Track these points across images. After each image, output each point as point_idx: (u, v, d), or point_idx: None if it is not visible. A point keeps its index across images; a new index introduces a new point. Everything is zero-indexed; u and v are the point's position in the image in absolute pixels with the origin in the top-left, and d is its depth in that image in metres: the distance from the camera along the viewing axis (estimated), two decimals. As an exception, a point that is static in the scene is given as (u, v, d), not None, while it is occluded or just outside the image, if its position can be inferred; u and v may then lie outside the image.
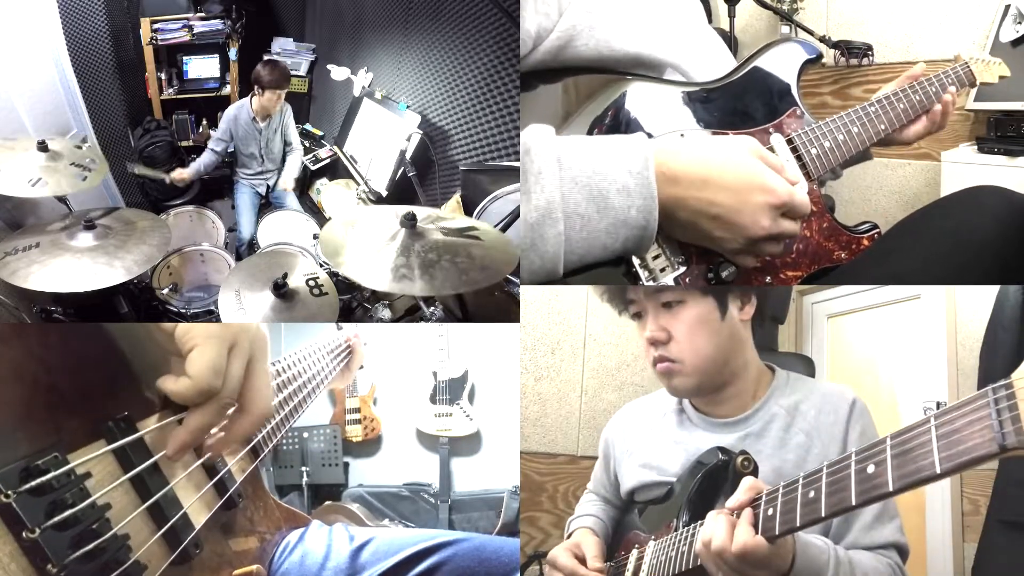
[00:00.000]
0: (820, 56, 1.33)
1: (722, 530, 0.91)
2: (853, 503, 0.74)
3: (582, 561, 1.30)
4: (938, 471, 0.64)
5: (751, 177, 1.00)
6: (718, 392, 1.29)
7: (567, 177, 0.94)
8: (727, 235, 1.01)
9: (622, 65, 1.22)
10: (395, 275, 1.73)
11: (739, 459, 1.12)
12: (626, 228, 0.95)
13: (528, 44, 1.15)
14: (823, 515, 0.78)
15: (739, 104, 1.24)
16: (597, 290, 1.26)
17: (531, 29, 1.14)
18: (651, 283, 1.11)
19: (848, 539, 1.15)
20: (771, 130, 1.24)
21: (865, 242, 1.27)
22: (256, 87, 3.38)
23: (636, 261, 1.08)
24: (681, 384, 1.25)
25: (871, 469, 0.72)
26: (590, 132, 1.18)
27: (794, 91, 1.28)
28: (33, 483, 0.58)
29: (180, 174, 3.51)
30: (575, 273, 1.00)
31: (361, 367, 1.81)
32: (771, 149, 1.21)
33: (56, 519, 0.59)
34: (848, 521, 1.16)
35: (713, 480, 1.16)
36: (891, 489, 0.69)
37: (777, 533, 0.87)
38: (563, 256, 0.94)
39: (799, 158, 1.23)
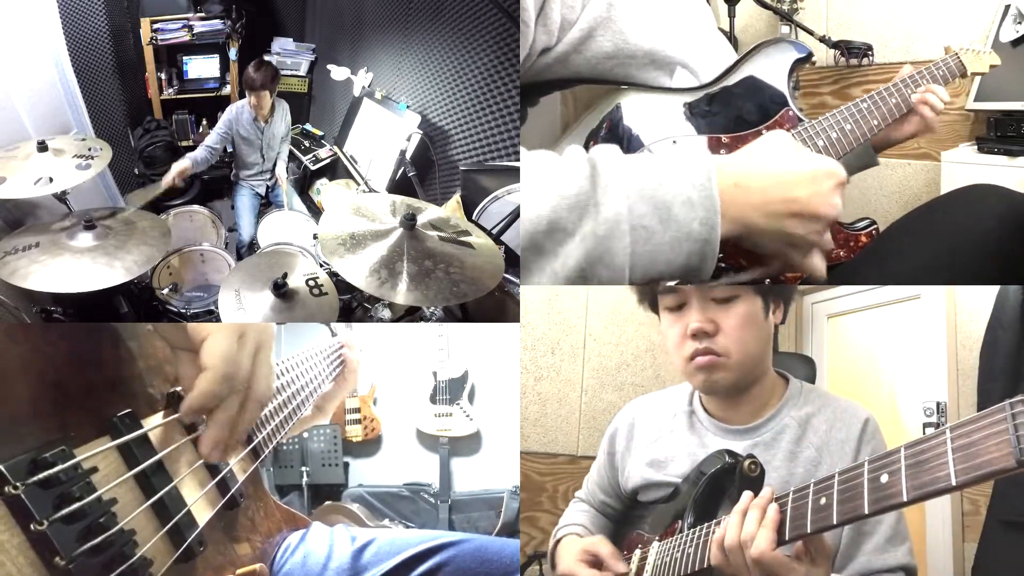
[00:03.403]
0: (810, 55, 1.32)
1: (764, 538, 0.89)
2: (866, 511, 0.73)
3: (598, 565, 1.28)
4: (954, 483, 0.64)
5: (814, 164, 0.99)
6: (739, 395, 1.28)
7: (633, 190, 0.91)
8: (805, 230, 0.97)
9: (635, 61, 1.23)
10: (384, 280, 1.73)
11: (746, 463, 1.11)
12: (689, 241, 0.92)
13: (555, 36, 1.16)
14: (835, 522, 0.77)
15: (732, 109, 1.24)
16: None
17: (556, 19, 1.15)
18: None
19: (859, 561, 1.14)
20: (764, 131, 1.23)
21: (863, 239, 1.27)
22: (246, 90, 3.38)
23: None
24: (722, 379, 1.23)
25: (884, 479, 0.72)
26: (586, 145, 1.18)
27: (786, 93, 1.27)
28: (41, 475, 0.58)
29: (181, 168, 3.26)
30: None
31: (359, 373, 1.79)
32: None
33: (64, 512, 0.59)
34: (858, 543, 1.15)
35: (719, 483, 1.16)
36: (905, 499, 0.69)
37: (787, 538, 0.86)
38: (628, 270, 0.91)
39: None
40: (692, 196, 0.92)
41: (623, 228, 0.90)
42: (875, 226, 1.29)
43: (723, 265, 1.11)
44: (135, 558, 0.65)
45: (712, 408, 1.34)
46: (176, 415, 0.78)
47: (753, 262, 1.09)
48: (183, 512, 0.75)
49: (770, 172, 0.98)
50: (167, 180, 3.24)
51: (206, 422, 0.77)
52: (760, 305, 1.23)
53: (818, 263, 1.02)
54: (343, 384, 1.61)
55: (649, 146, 1.19)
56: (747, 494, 0.93)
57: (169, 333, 0.79)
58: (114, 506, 0.65)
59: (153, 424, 0.76)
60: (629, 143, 1.19)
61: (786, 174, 0.98)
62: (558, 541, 1.43)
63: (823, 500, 0.80)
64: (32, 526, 0.57)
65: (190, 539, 0.75)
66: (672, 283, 1.19)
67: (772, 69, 1.28)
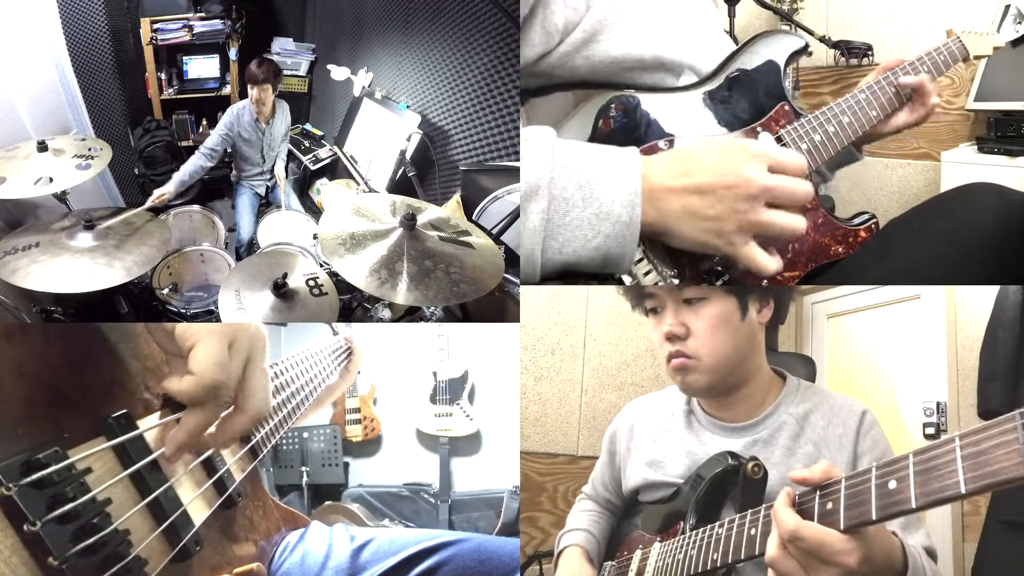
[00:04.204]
0: (806, 46, 1.29)
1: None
2: (873, 517, 0.73)
3: None
4: (963, 491, 0.64)
5: (725, 142, 1.01)
6: (729, 395, 1.28)
7: (559, 161, 0.96)
8: (721, 208, 0.97)
9: (643, 65, 1.23)
10: (384, 280, 1.73)
11: (749, 465, 1.11)
12: (608, 222, 0.96)
13: (555, 38, 1.16)
14: (841, 528, 0.77)
15: (728, 104, 1.23)
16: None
17: (559, 23, 1.15)
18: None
19: None
20: (759, 128, 1.22)
21: (863, 234, 1.25)
22: (249, 84, 3.38)
23: (627, 279, 1.06)
24: (694, 381, 1.24)
25: (892, 485, 0.71)
26: (596, 121, 1.18)
27: (782, 86, 1.26)
28: (34, 476, 0.58)
29: (160, 194, 2.99)
30: (560, 277, 1.00)
31: (359, 372, 1.80)
32: None
33: (57, 512, 0.59)
34: None
35: (722, 485, 1.16)
36: (914, 506, 0.69)
37: None
38: (543, 239, 0.95)
39: None
40: (615, 178, 0.96)
41: (542, 193, 0.95)
42: (874, 220, 1.26)
43: (719, 268, 1.11)
44: (129, 558, 0.65)
45: (709, 407, 1.34)
46: (171, 416, 0.77)
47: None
48: (179, 512, 0.75)
49: (676, 155, 1.03)
50: (150, 202, 2.90)
51: (178, 423, 0.75)
52: (734, 306, 1.22)
53: (755, 255, 0.99)
54: (343, 379, 1.62)
55: (670, 137, 1.18)
56: (787, 490, 0.89)
57: (159, 337, 0.78)
58: (108, 506, 0.65)
59: (149, 425, 0.75)
60: (648, 128, 1.18)
61: (689, 152, 1.01)
62: (561, 551, 1.43)
63: (829, 505, 0.80)
64: (25, 527, 0.56)
65: (186, 539, 0.75)
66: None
67: (767, 64, 1.27)
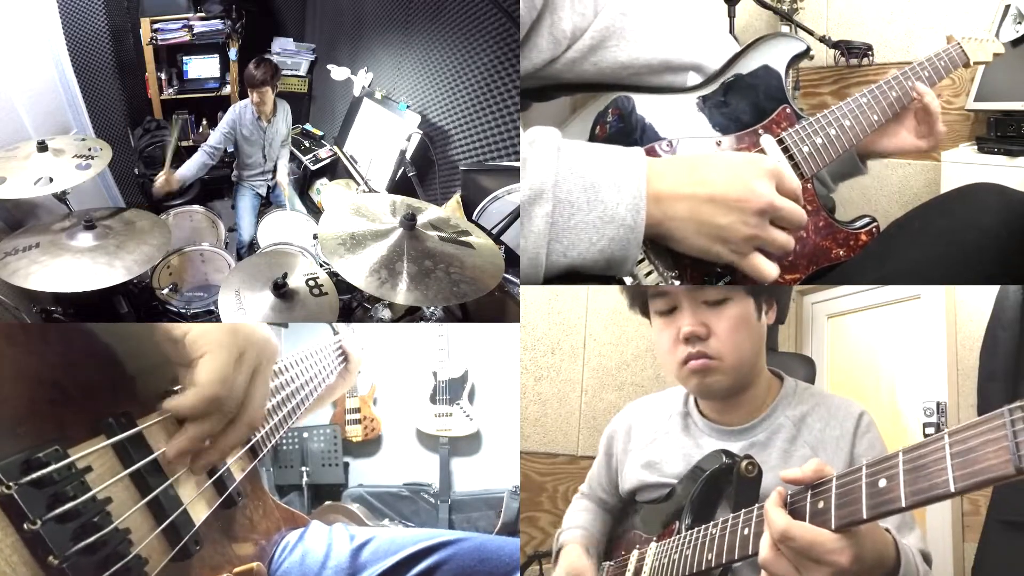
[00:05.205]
0: (808, 50, 1.30)
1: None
2: (864, 516, 0.73)
3: None
4: (953, 490, 0.63)
5: (735, 155, 1.02)
6: (735, 396, 1.28)
7: (564, 164, 0.96)
8: (730, 220, 0.99)
9: (650, 69, 1.23)
10: (384, 280, 1.73)
11: (743, 463, 1.11)
12: (613, 225, 0.96)
13: (563, 44, 1.16)
14: (833, 528, 0.77)
15: (729, 107, 1.23)
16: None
17: (567, 29, 1.15)
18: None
19: None
20: (760, 131, 1.22)
21: (863, 237, 1.25)
22: (248, 86, 3.38)
23: (628, 281, 1.07)
24: (715, 383, 1.22)
25: (882, 483, 0.71)
26: (594, 127, 1.18)
27: (784, 88, 1.26)
28: (34, 475, 0.58)
29: (167, 179, 3.17)
30: (561, 278, 1.00)
31: (359, 372, 1.80)
32: (761, 151, 1.20)
33: (57, 511, 0.59)
34: None
35: (717, 484, 1.16)
36: (903, 505, 0.68)
37: None
38: (547, 242, 0.95)
39: (791, 158, 1.20)
40: (620, 181, 0.96)
41: (546, 196, 0.95)
42: (875, 224, 1.27)
43: (720, 270, 1.11)
44: (129, 557, 0.65)
45: (707, 410, 1.33)
46: (171, 413, 0.77)
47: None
48: (179, 511, 0.75)
49: (686, 162, 1.03)
50: (156, 186, 3.17)
51: (183, 428, 0.76)
52: (752, 307, 1.22)
53: (759, 264, 1.02)
54: (344, 380, 1.62)
55: (666, 140, 1.18)
56: (779, 489, 0.89)
57: (167, 344, 0.78)
58: (108, 505, 0.65)
59: (148, 423, 0.75)
60: (643, 132, 1.18)
61: (700, 160, 1.02)
62: (561, 547, 1.43)
63: (820, 504, 0.79)
64: (25, 525, 0.57)
65: (186, 538, 0.75)
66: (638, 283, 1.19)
67: (769, 66, 1.27)
